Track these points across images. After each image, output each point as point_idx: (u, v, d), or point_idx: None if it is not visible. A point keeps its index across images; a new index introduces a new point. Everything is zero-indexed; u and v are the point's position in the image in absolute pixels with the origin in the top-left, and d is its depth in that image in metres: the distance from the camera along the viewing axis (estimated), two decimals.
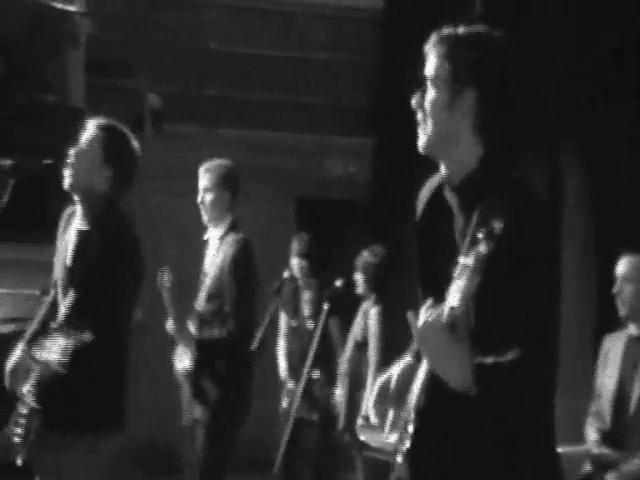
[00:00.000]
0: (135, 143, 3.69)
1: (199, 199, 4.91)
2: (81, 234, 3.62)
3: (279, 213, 8.74)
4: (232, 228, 4.90)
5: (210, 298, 4.83)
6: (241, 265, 4.77)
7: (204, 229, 5.01)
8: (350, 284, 5.46)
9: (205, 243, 5.02)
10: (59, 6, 8.23)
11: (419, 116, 2.39)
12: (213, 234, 4.95)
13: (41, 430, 3.55)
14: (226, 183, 4.89)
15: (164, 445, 7.32)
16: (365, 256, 5.72)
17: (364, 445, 4.83)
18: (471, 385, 2.15)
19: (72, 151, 3.62)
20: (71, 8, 8.26)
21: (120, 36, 8.65)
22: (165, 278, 4.86)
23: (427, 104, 2.37)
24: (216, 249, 4.90)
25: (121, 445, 3.61)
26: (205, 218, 4.93)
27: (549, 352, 2.25)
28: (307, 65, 9.27)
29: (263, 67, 9.08)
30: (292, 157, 9.05)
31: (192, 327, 4.83)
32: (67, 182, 3.61)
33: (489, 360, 2.16)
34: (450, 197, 2.39)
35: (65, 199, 3.76)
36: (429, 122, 2.36)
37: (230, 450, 4.78)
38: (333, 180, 9.07)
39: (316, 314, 5.42)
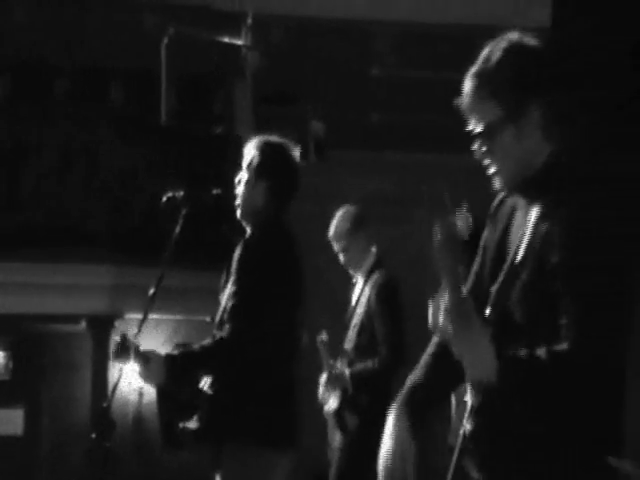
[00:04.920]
0: (293, 154, 3.64)
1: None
2: (244, 241, 3.58)
3: None
4: (375, 266, 5.00)
5: (360, 333, 4.93)
6: (387, 299, 4.89)
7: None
8: None
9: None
10: (226, 40, 8.44)
11: None
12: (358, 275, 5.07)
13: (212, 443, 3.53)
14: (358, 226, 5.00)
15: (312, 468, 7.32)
16: None
17: None
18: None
19: (236, 180, 3.67)
20: (238, 42, 8.45)
21: (284, 66, 8.80)
22: (323, 339, 5.02)
23: None
24: (361, 288, 5.00)
25: (295, 463, 3.57)
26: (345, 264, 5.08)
27: (606, 347, 1.99)
28: None
29: (426, 90, 9.03)
30: (459, 178, 8.92)
31: (343, 365, 4.93)
32: (238, 212, 3.67)
33: (539, 351, 1.96)
34: None
35: (233, 228, 3.80)
36: None
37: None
38: None
39: None
